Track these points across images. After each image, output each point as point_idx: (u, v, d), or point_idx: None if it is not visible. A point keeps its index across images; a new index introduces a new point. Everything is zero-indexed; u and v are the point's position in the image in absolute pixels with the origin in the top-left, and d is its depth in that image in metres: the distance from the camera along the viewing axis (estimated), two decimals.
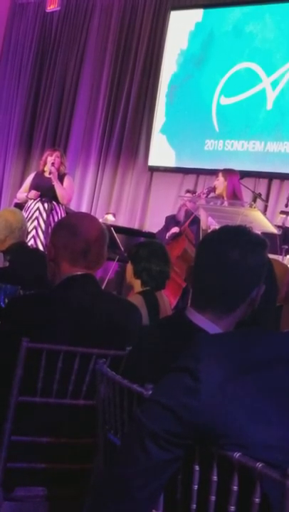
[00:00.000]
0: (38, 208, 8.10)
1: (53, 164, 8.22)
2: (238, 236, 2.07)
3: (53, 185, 8.07)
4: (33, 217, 8.04)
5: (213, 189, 7.43)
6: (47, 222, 8.03)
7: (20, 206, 8.22)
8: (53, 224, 7.95)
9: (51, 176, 8.12)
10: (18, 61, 12.72)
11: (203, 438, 1.52)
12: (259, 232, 6.60)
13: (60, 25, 12.22)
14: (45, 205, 8.11)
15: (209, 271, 2.04)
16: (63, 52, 12.11)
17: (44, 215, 8.06)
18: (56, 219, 8.03)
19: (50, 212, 8.09)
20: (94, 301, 2.82)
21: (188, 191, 9.09)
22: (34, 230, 7.92)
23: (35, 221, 8.02)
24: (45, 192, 8.12)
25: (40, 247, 7.72)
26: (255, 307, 2.08)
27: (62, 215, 8.08)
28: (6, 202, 11.96)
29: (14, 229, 4.38)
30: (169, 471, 1.58)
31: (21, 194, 8.49)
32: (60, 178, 8.21)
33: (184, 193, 9.18)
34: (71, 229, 2.86)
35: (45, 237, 8.00)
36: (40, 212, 8.09)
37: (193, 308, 2.08)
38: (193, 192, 8.89)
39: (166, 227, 8.63)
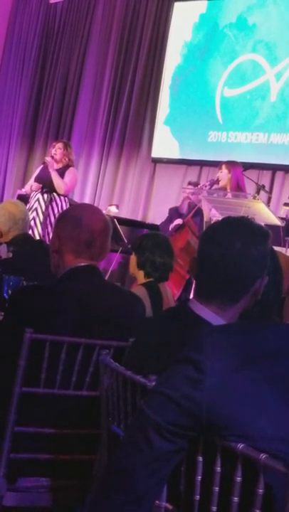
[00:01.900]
0: (37, 199, 8.13)
1: (53, 156, 8.25)
2: (240, 227, 2.07)
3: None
4: (33, 207, 8.07)
5: (217, 181, 7.42)
6: (45, 213, 8.06)
7: (23, 198, 8.24)
8: (51, 215, 8.01)
9: (46, 164, 8.17)
10: (22, 52, 12.69)
11: (206, 429, 1.52)
12: (262, 224, 6.64)
13: (64, 17, 12.20)
14: (45, 196, 8.13)
15: (212, 263, 2.04)
16: (67, 44, 12.09)
17: (43, 206, 8.09)
18: (56, 210, 8.06)
19: (49, 203, 8.12)
20: (97, 293, 2.82)
21: (190, 183, 9.07)
22: (32, 221, 7.93)
23: (34, 212, 8.05)
24: (47, 184, 8.14)
25: (37, 238, 7.73)
26: (259, 298, 2.08)
27: (63, 207, 8.11)
28: (10, 192, 11.96)
29: (18, 220, 4.38)
30: (172, 462, 1.58)
31: (27, 186, 8.54)
32: (64, 169, 8.23)
33: (186, 185, 9.16)
34: (75, 220, 2.86)
35: (42, 228, 8.02)
36: (39, 203, 8.12)
37: (197, 299, 2.07)
38: (196, 184, 8.87)
39: (170, 219, 8.62)
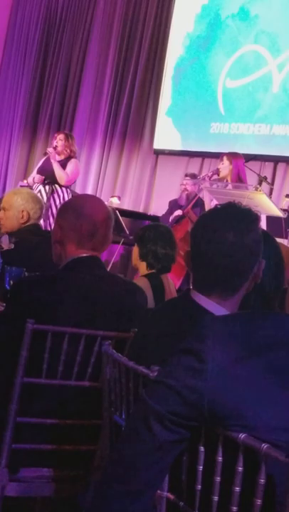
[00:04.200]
0: (39, 191, 8.12)
1: (55, 147, 8.24)
2: (229, 217, 2.04)
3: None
4: None
5: (217, 172, 7.43)
6: (47, 205, 8.03)
7: None
8: (53, 206, 7.99)
9: (49, 156, 8.17)
10: (24, 44, 12.68)
11: (208, 419, 1.52)
12: (264, 216, 6.65)
13: (66, 8, 12.17)
14: (47, 187, 8.13)
15: (207, 259, 2.01)
16: (68, 36, 12.07)
17: (44, 197, 8.07)
18: (58, 202, 8.05)
19: (50, 194, 8.11)
20: (99, 283, 2.82)
21: (186, 175, 9.07)
22: None
23: None
24: (50, 175, 8.14)
25: None
26: (258, 282, 2.07)
27: (65, 198, 8.09)
28: (12, 184, 11.96)
29: (44, 209, 4.42)
30: (174, 452, 1.59)
31: (30, 178, 8.54)
32: (66, 160, 8.22)
33: (183, 178, 9.14)
34: (78, 211, 2.86)
35: (44, 219, 8.01)
36: (41, 195, 8.11)
37: (197, 291, 2.07)
38: (192, 175, 8.88)
39: (170, 211, 8.63)
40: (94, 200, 3.03)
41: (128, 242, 8.02)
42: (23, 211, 4.28)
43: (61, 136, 8.37)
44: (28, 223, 4.31)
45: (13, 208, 4.29)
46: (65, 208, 2.99)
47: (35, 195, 4.49)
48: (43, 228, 7.77)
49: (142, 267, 4.38)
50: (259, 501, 1.48)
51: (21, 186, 9.04)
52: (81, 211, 2.85)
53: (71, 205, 3.00)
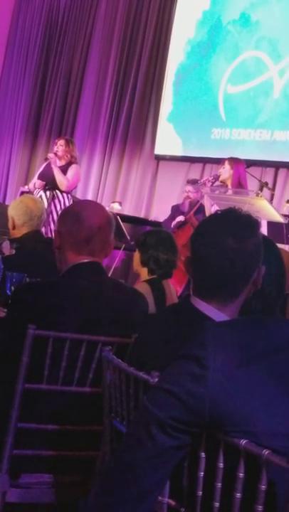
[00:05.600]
0: (40, 197, 8.12)
1: (56, 152, 8.24)
2: (229, 223, 2.05)
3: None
4: None
5: (217, 177, 7.43)
6: (48, 211, 8.03)
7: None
8: (54, 212, 7.99)
9: (50, 161, 8.17)
10: (25, 47, 12.69)
11: (209, 425, 1.52)
12: (265, 222, 6.64)
13: (67, 12, 12.19)
14: (47, 193, 8.13)
15: (208, 263, 2.02)
16: (70, 41, 12.08)
17: (45, 203, 8.07)
18: (59, 207, 8.05)
19: (51, 200, 8.11)
20: (100, 289, 2.82)
21: (188, 181, 9.06)
22: None
23: None
24: (50, 181, 8.14)
25: None
26: (259, 288, 2.07)
27: (66, 204, 8.10)
28: (13, 189, 11.97)
29: (33, 217, 4.40)
30: (175, 458, 1.58)
31: (31, 184, 8.55)
32: (67, 166, 8.22)
33: (186, 183, 9.13)
34: (75, 216, 2.86)
35: (45, 226, 8.01)
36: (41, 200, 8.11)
37: (197, 297, 2.07)
38: (194, 181, 8.86)
39: (172, 217, 8.62)
40: (92, 206, 3.02)
41: (129, 247, 8.02)
42: (11, 218, 4.38)
43: (62, 142, 8.38)
44: (15, 230, 4.38)
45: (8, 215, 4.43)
46: (64, 214, 3.00)
47: (24, 201, 4.51)
48: (44, 234, 7.80)
49: (143, 273, 4.38)
50: (260, 507, 1.48)
51: (22, 192, 9.06)
52: (78, 217, 2.85)
53: (69, 211, 3.01)
